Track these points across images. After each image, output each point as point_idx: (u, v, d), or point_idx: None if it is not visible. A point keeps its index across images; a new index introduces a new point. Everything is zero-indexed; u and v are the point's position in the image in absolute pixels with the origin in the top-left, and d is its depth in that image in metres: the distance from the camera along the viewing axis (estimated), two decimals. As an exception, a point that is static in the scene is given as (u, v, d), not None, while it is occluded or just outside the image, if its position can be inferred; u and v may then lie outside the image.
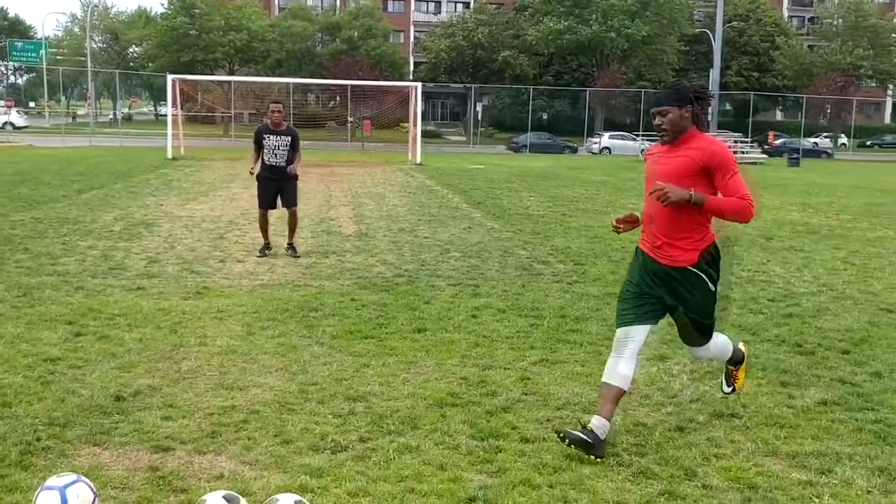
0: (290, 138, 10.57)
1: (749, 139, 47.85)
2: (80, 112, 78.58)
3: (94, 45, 72.98)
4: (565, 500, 4.00)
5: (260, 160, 10.68)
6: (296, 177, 10.78)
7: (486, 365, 6.14)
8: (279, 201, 10.81)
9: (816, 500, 4.04)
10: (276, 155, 10.54)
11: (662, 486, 4.16)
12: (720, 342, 5.01)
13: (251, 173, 10.88)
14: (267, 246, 10.79)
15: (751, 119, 56.71)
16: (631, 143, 50.11)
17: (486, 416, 5.08)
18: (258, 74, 61.16)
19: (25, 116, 61.00)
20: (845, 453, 4.61)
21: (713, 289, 4.68)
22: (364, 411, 5.17)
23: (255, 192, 11.03)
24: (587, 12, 60.81)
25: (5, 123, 50.81)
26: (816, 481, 4.25)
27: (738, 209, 4.42)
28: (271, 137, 10.50)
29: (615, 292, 8.83)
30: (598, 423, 4.51)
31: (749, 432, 4.92)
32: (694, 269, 4.60)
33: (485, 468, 4.35)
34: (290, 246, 10.88)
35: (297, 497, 3.63)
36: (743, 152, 43.04)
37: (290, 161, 10.59)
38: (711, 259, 4.64)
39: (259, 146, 10.61)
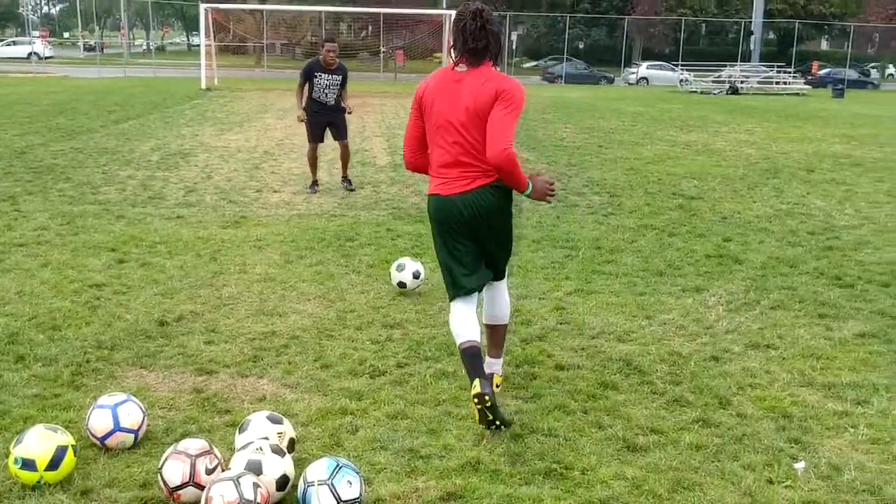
0: (341, 77, 10.25)
1: (792, 69, 46.71)
2: (107, 42, 78.07)
3: (127, -27, 72.33)
4: (599, 426, 4.05)
5: (307, 96, 10.35)
6: (347, 111, 10.54)
7: (521, 294, 6.17)
8: (328, 136, 10.60)
9: (852, 430, 4.05)
10: (326, 94, 10.24)
11: (696, 413, 4.20)
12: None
13: (300, 120, 10.50)
14: (315, 182, 10.59)
15: (794, 48, 55.21)
16: (670, 73, 49.02)
17: (521, 343, 5.13)
18: (289, 3, 60.48)
19: (51, 47, 60.68)
20: (882, 384, 4.61)
21: None
22: (401, 338, 5.25)
23: (303, 126, 10.62)
24: (626, -64, 59.24)
25: (30, 53, 50.53)
26: (852, 411, 4.27)
27: None
28: (323, 76, 10.15)
29: (651, 224, 8.86)
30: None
31: (785, 363, 4.93)
32: None
33: (520, 394, 4.42)
34: (346, 178, 10.80)
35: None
36: (785, 83, 42.13)
37: (338, 99, 10.35)
38: None
39: (306, 82, 10.24)
